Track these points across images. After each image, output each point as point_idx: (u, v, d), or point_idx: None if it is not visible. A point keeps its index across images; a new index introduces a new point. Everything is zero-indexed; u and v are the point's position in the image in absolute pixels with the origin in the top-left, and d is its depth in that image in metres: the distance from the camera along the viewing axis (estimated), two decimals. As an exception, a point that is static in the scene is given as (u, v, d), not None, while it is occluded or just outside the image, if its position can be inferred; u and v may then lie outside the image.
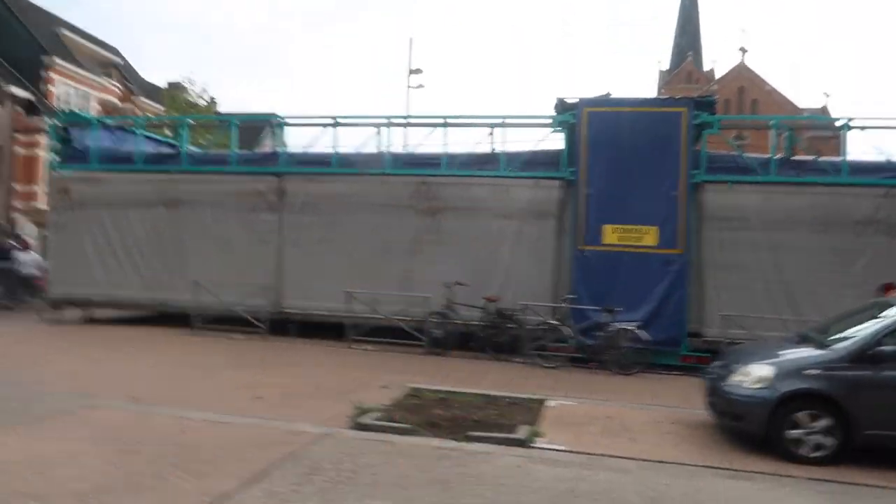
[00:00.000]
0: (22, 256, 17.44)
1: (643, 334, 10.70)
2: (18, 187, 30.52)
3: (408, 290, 12.22)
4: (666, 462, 6.12)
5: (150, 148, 15.88)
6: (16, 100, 30.41)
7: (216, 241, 13.62)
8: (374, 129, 13.49)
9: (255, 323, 12.81)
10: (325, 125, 13.79)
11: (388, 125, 13.50)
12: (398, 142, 13.73)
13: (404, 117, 13.81)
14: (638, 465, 5.99)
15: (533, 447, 6.35)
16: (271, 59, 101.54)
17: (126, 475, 5.08)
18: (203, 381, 8.86)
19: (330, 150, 13.58)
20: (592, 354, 11.04)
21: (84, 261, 14.25)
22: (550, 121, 12.67)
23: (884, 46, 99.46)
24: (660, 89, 56.08)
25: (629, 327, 10.78)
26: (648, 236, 11.64)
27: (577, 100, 12.21)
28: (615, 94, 12.74)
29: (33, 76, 32.38)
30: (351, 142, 13.88)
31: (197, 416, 6.89)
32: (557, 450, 6.32)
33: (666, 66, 68.59)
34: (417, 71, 31.03)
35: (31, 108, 30.86)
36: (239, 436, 6.26)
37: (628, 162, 11.70)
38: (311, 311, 12.93)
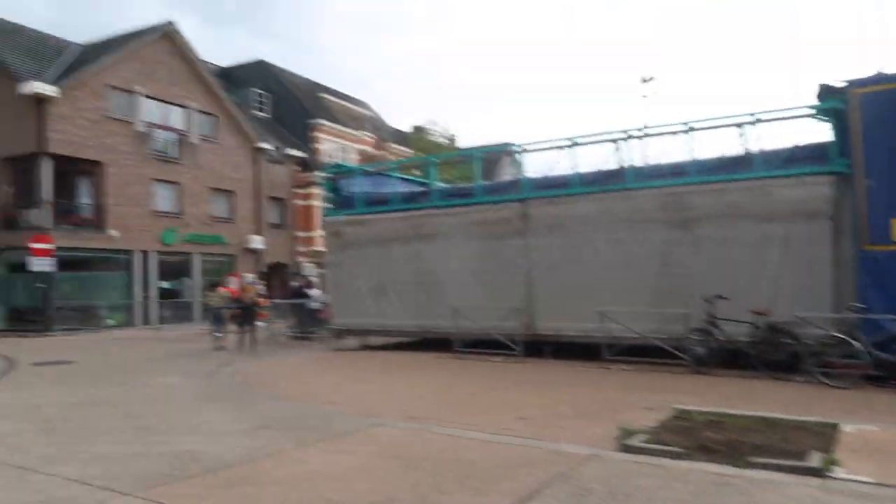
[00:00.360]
0: (311, 293, 20.11)
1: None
2: (299, 234, 35.32)
3: (662, 307, 11.71)
4: None
5: (403, 188, 17.43)
6: (293, 160, 35.43)
7: (469, 268, 14.40)
8: (613, 145, 13.31)
9: (510, 345, 13.21)
10: (562, 147, 13.92)
11: (627, 139, 13.21)
12: (639, 155, 13.27)
13: (642, 128, 13.38)
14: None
15: (830, 477, 5.59)
16: (485, 88, 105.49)
17: (412, 488, 5.47)
18: (469, 402, 9.30)
19: (570, 172, 13.64)
20: (893, 371, 9.49)
21: (357, 294, 15.97)
22: (812, 110, 11.40)
23: None
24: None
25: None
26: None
27: (845, 82, 10.81)
28: (888, 71, 11.05)
29: (305, 138, 37.43)
30: (590, 160, 13.85)
31: (467, 435, 7.22)
32: (861, 482, 5.49)
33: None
34: (650, 79, 30.18)
35: (304, 165, 35.71)
36: (508, 455, 6.42)
37: None
38: (564, 332, 13.00)
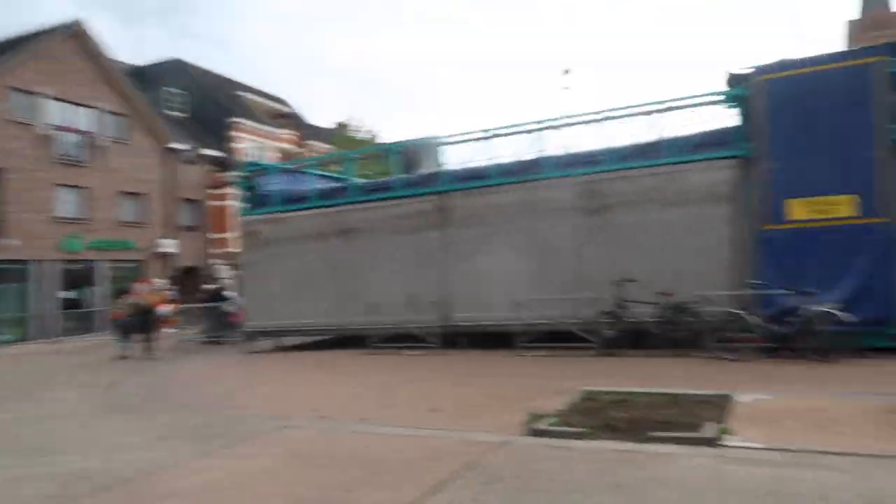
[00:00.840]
0: (225, 295, 19.52)
1: (845, 315, 9.47)
2: (214, 236, 34.29)
3: (578, 293, 11.93)
4: (886, 456, 5.31)
5: (321, 185, 17.13)
6: (209, 159, 34.34)
7: (386, 263, 14.29)
8: (530, 136, 13.46)
9: (427, 338, 13.20)
10: (480, 139, 13.99)
11: (544, 129, 13.39)
12: (556, 144, 13.49)
13: (559, 119, 13.57)
14: (852, 462, 5.25)
15: (723, 445, 5.83)
16: (412, 86, 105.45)
17: (317, 489, 5.36)
18: (382, 397, 9.20)
19: (488, 163, 13.72)
20: (785, 342, 10.01)
21: (272, 294, 15.60)
22: (720, 97, 11.83)
23: None
24: (849, 43, 50.23)
25: (828, 309, 9.65)
26: (843, 207, 10.41)
27: (750, 69, 11.29)
28: (792, 58, 11.55)
29: (222, 137, 36.34)
30: (508, 151, 13.93)
31: (379, 431, 7.15)
32: (752, 447, 5.74)
33: (853, 16, 61.29)
34: (567, 71, 30.79)
35: (222, 164, 34.68)
36: (418, 448, 6.39)
37: (814, 127, 10.59)
38: (481, 322, 13.07)
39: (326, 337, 15.88)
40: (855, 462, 5.25)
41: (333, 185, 17.32)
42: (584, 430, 6.50)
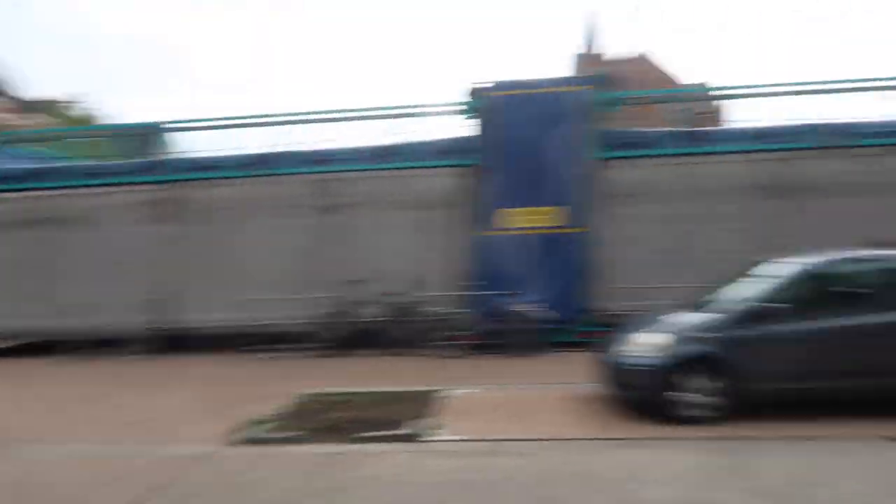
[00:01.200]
0: None
1: (541, 314, 10.64)
2: None
3: (312, 292, 11.70)
4: (566, 440, 6.02)
5: (19, 164, 14.67)
6: None
7: (97, 258, 12.67)
8: (269, 129, 12.99)
9: (142, 343, 11.93)
10: (215, 128, 13.16)
11: (284, 123, 12.99)
12: (297, 140, 13.16)
13: (300, 114, 13.27)
14: (539, 447, 5.85)
15: (428, 440, 6.10)
16: (164, 69, 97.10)
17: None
18: (69, 412, 7.96)
19: (222, 154, 12.92)
20: (493, 339, 10.86)
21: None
22: (458, 108, 12.43)
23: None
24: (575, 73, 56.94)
25: (525, 309, 10.71)
26: (549, 217, 11.62)
27: (480, 85, 12.10)
28: (526, 78, 12.52)
29: None
30: (244, 143, 13.25)
31: (55, 452, 6.21)
32: (453, 440, 6.10)
33: (579, 50, 69.70)
34: (325, 69, 30.52)
35: None
36: (102, 469, 5.66)
37: (530, 144, 11.64)
38: (206, 324, 12.10)
39: (7, 345, 13.52)
40: (542, 447, 5.85)
41: (32, 165, 14.89)
42: (298, 434, 6.35)
